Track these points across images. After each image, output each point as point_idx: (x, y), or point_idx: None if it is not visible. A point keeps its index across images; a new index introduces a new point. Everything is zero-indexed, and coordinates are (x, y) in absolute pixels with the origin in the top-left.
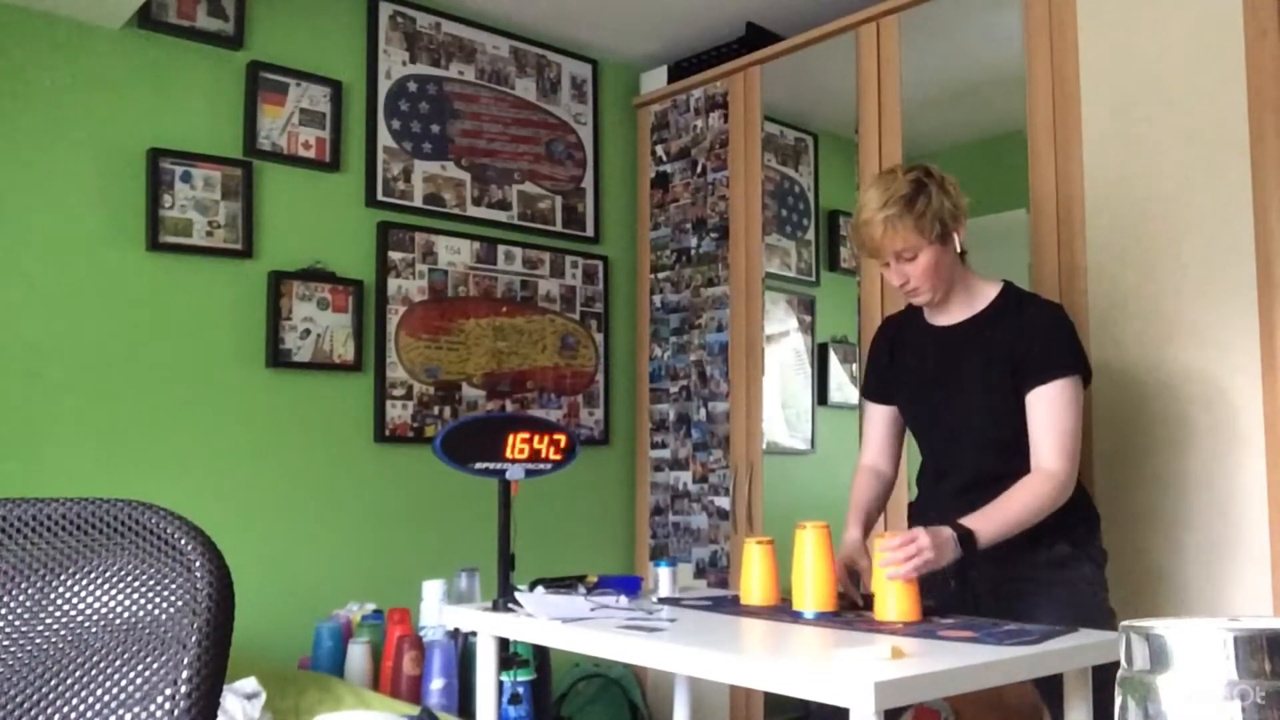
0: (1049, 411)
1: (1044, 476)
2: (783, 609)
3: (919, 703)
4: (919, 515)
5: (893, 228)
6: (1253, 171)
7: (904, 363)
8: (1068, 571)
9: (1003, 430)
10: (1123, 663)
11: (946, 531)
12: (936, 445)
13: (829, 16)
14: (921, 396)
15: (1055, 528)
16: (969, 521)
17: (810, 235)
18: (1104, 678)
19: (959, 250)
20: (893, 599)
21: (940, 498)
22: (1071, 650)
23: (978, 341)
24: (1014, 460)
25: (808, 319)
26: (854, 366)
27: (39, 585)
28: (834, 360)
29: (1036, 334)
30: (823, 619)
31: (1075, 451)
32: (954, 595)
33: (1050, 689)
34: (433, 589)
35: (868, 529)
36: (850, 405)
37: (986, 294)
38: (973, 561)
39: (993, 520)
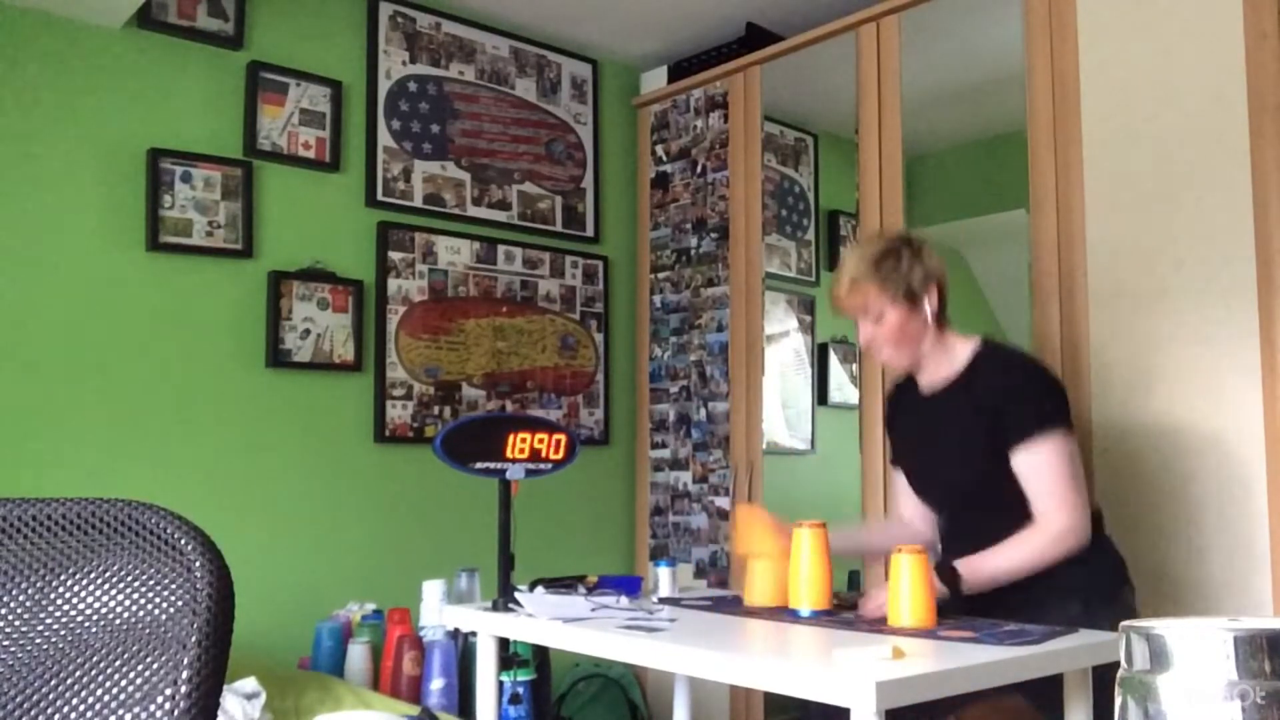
0: (1036, 473)
1: (1038, 529)
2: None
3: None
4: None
5: (856, 286)
6: (1253, 172)
7: (901, 430)
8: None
9: (987, 492)
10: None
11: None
12: (937, 509)
13: (829, 16)
14: (915, 465)
15: (1067, 586)
16: (959, 564)
17: (810, 235)
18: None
19: (930, 316)
20: (908, 605)
21: (951, 551)
22: (1071, 650)
23: (954, 406)
24: (1006, 520)
25: (808, 319)
26: (854, 367)
27: (39, 585)
28: (834, 360)
29: (1010, 397)
30: (822, 619)
31: (1074, 501)
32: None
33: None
34: (433, 589)
35: (860, 543)
36: (850, 405)
37: (962, 356)
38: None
39: (982, 567)
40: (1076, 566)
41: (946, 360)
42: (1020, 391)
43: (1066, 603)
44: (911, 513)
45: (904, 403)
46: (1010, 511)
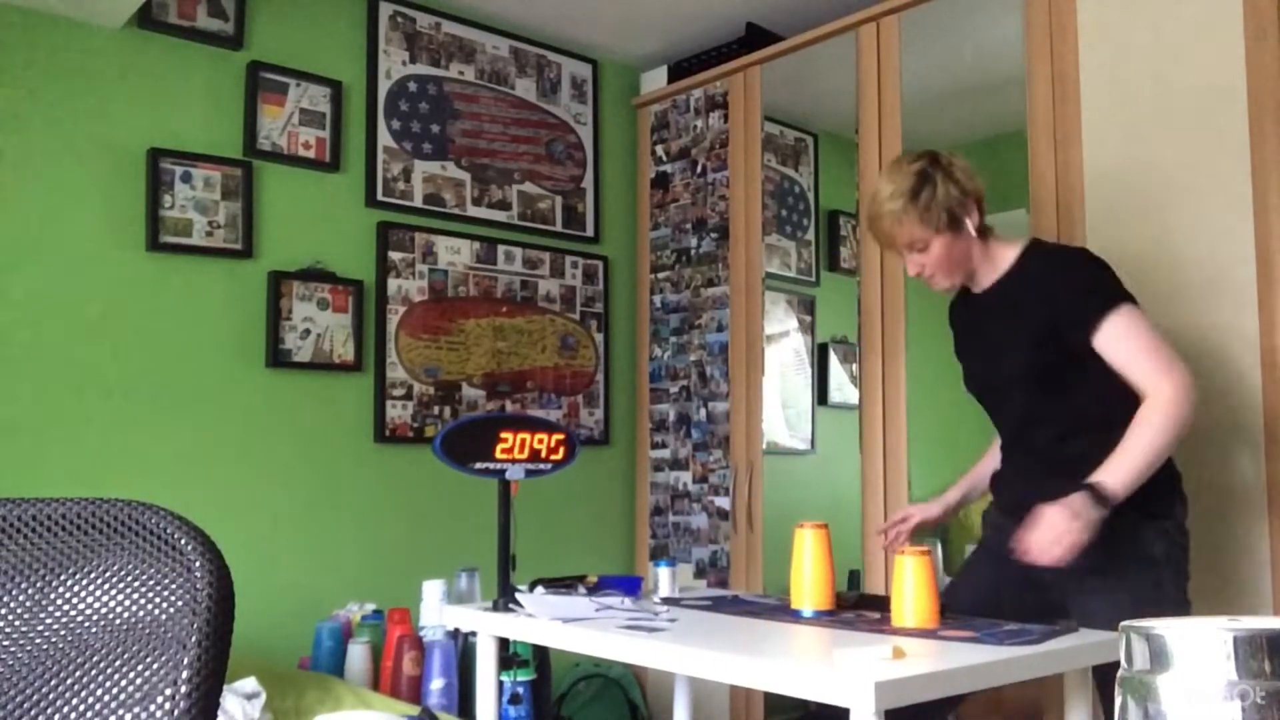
0: (1120, 348)
1: (1149, 403)
2: (786, 610)
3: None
4: (996, 485)
5: (899, 222)
6: (1253, 172)
7: (958, 335)
8: (1138, 549)
9: (1046, 386)
10: (1123, 663)
11: (1075, 500)
12: (991, 412)
13: (829, 16)
14: (969, 366)
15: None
16: (1097, 476)
17: (810, 235)
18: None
19: (974, 232)
20: (911, 606)
21: (1009, 464)
22: (1071, 650)
23: (1000, 305)
24: (1071, 413)
25: (808, 319)
26: (854, 366)
27: (39, 585)
28: (834, 360)
29: (1066, 287)
30: (823, 619)
31: (1170, 360)
32: (1021, 571)
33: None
34: (433, 589)
35: (962, 502)
36: (850, 405)
37: (1009, 257)
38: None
39: (1119, 466)
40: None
41: (990, 267)
42: (1075, 278)
43: (1125, 510)
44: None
45: (958, 310)
46: (1051, 406)
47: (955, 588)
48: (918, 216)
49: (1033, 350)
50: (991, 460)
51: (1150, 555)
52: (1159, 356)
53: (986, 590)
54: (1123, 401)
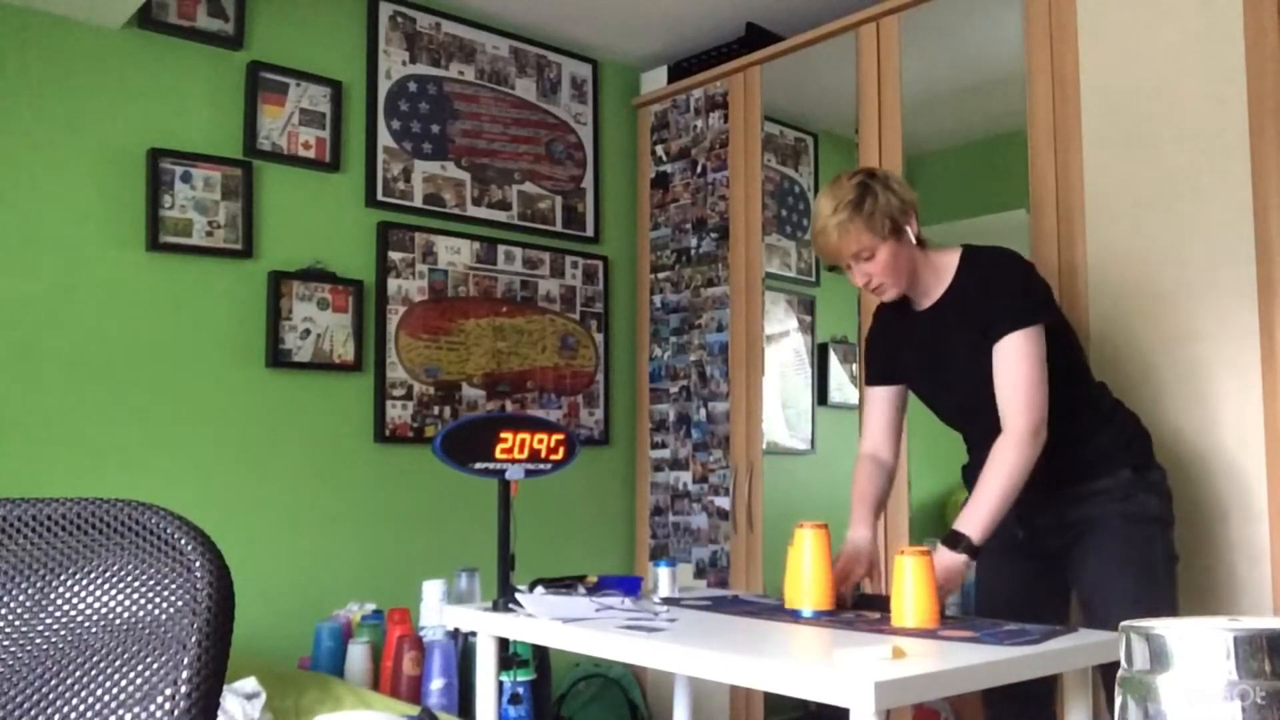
0: (1004, 369)
1: (1007, 442)
2: (784, 609)
3: (920, 703)
4: (971, 483)
5: (845, 232)
6: (1253, 171)
7: (903, 353)
8: (1131, 505)
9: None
10: (1123, 663)
11: (943, 557)
12: (959, 424)
13: (829, 16)
14: (929, 384)
15: (1113, 453)
16: (959, 526)
17: (810, 235)
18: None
19: (915, 240)
20: (911, 606)
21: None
22: (1071, 651)
23: (950, 317)
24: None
25: (807, 319)
26: (854, 366)
27: (39, 585)
28: (834, 360)
29: (989, 293)
30: (823, 619)
31: (1032, 400)
32: (1022, 544)
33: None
34: (433, 589)
35: (874, 523)
36: (850, 405)
37: (950, 267)
38: (1040, 509)
39: (977, 515)
40: (1115, 431)
41: (935, 277)
42: (996, 289)
43: (1119, 468)
44: (878, 440)
45: (900, 325)
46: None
47: (987, 593)
48: (863, 224)
49: (982, 357)
50: (870, 480)
51: (1145, 513)
52: (1026, 392)
53: (1017, 586)
54: (1075, 385)
